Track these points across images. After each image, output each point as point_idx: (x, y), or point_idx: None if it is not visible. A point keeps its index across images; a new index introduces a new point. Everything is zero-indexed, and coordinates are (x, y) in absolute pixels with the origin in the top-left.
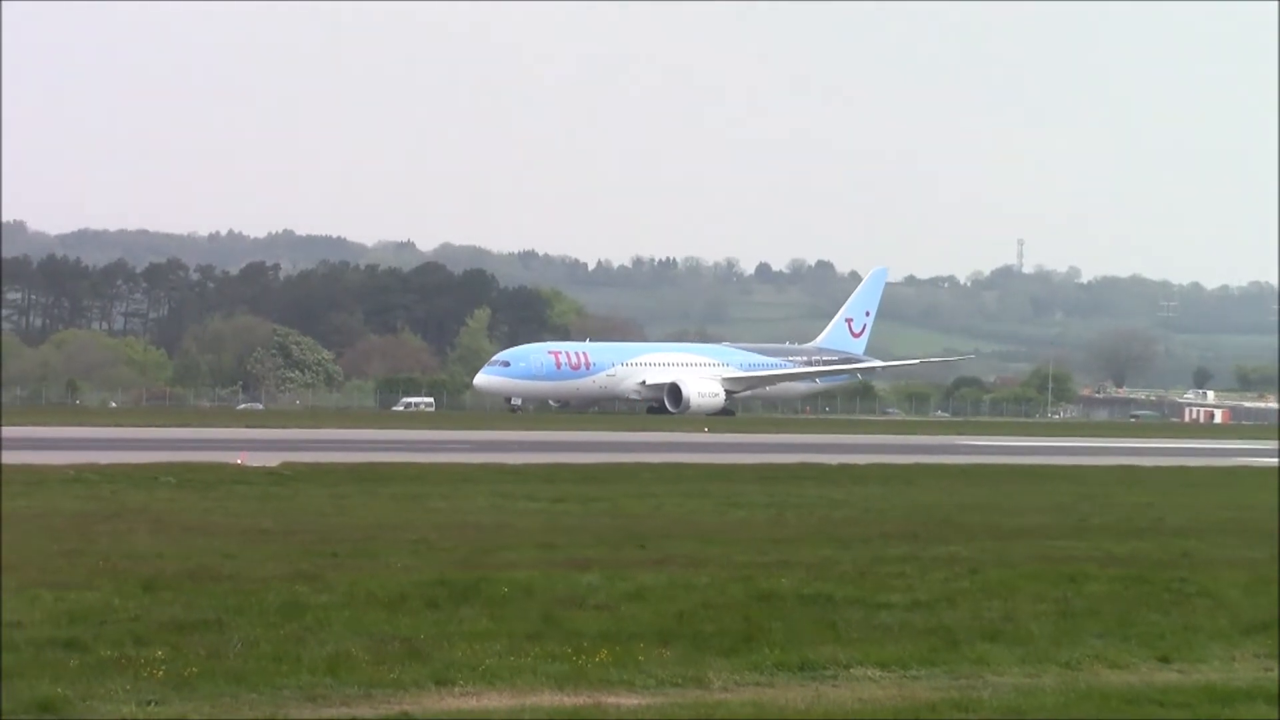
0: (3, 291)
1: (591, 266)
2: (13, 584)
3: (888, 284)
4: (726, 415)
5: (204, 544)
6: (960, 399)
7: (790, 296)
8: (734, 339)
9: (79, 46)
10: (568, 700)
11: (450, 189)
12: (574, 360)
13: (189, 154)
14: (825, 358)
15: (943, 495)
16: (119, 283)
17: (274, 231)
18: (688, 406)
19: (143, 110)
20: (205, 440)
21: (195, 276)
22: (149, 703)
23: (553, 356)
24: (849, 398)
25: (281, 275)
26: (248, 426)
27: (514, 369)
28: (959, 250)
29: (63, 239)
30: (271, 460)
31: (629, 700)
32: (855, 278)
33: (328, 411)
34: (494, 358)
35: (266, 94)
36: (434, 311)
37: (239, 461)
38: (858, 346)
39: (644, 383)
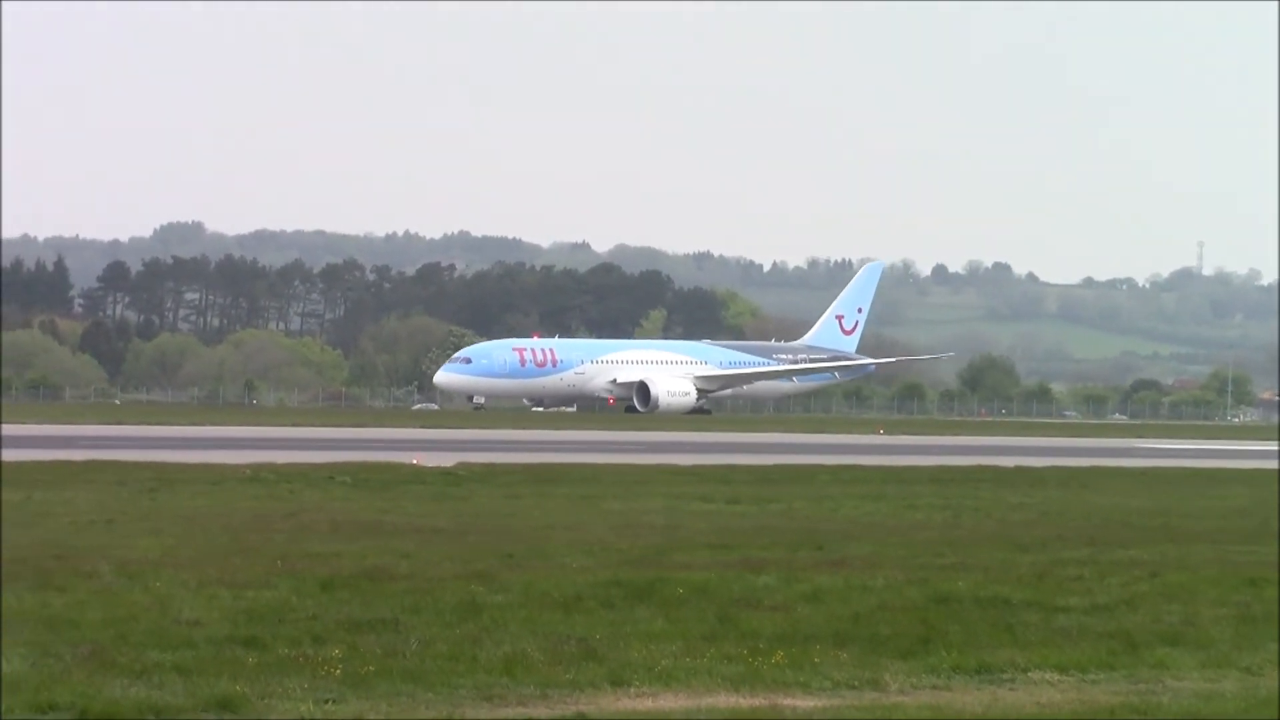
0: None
1: (766, 268)
2: (192, 582)
3: (1064, 285)
4: (702, 414)
5: (380, 544)
6: (1138, 402)
7: (966, 298)
8: (908, 342)
9: (257, 49)
10: (743, 702)
11: (625, 190)
12: (539, 358)
13: (366, 155)
14: (814, 356)
15: (1121, 498)
16: (296, 283)
17: (450, 232)
18: (656, 405)
19: (320, 111)
20: (381, 440)
21: (371, 277)
22: (326, 701)
23: (517, 354)
24: (1025, 400)
25: (457, 276)
26: (423, 427)
27: (476, 366)
28: (1137, 252)
29: (240, 240)
30: (446, 460)
31: (804, 702)
32: (1033, 279)
33: (502, 412)
34: (455, 355)
35: (444, 96)
36: (609, 312)
37: (414, 462)
38: (849, 344)
39: (615, 381)
